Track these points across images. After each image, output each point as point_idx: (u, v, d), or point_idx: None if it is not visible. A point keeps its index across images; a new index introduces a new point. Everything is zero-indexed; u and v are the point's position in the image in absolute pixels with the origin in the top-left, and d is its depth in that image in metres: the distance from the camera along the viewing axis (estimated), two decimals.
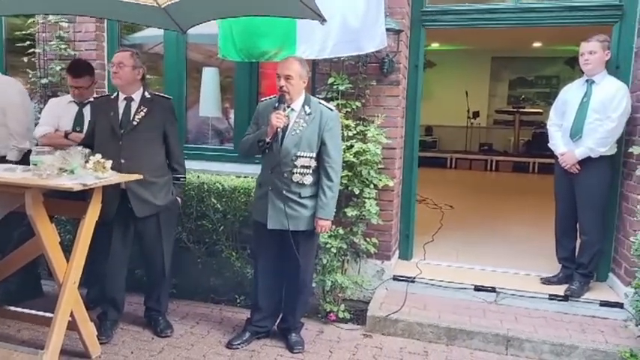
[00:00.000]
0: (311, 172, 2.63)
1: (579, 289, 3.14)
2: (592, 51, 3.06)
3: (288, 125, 2.59)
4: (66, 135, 3.07)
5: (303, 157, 2.60)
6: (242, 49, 3.17)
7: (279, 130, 2.54)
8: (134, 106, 2.79)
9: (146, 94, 2.84)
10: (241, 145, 2.77)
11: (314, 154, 2.62)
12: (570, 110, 3.15)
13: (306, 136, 2.61)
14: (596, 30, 3.17)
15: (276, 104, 2.58)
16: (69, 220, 3.34)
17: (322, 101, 2.72)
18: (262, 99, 2.83)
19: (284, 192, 2.60)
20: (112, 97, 2.84)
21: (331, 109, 2.68)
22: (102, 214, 2.60)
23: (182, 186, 3.04)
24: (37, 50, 3.81)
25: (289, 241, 2.63)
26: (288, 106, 2.61)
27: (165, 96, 2.99)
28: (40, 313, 2.76)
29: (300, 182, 2.62)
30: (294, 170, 2.60)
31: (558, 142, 3.22)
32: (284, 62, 2.63)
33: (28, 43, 3.83)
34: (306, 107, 2.64)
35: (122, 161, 2.68)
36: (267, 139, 2.55)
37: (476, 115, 10.27)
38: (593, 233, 3.14)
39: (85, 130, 3.05)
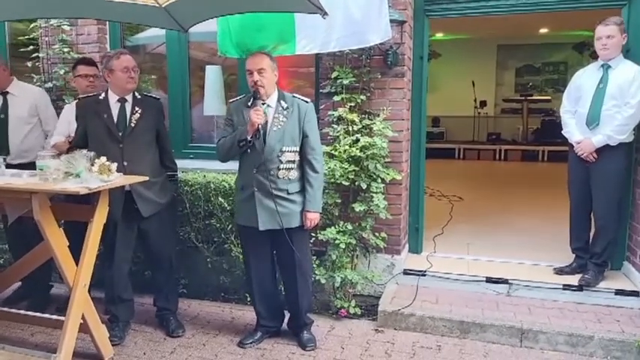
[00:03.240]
0: (296, 166, 2.63)
1: (594, 278, 3.08)
2: (610, 35, 2.93)
3: (267, 122, 2.57)
4: (70, 142, 3.07)
5: (288, 151, 2.59)
6: (239, 45, 3.13)
7: (259, 127, 2.50)
8: (128, 107, 2.78)
9: (136, 94, 2.83)
10: (220, 149, 2.66)
11: (297, 148, 2.62)
12: (585, 96, 3.04)
13: (288, 130, 2.59)
14: (604, 14, 3.09)
15: (251, 101, 2.57)
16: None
17: (296, 94, 2.71)
18: (232, 100, 2.77)
19: (272, 190, 2.57)
20: (101, 97, 2.80)
21: (307, 101, 2.68)
22: (108, 216, 2.61)
23: (176, 183, 3.12)
24: (40, 54, 3.82)
25: (282, 240, 2.61)
26: (264, 103, 2.58)
27: (154, 96, 3.02)
28: (53, 316, 2.77)
29: (286, 178, 2.60)
30: (280, 166, 2.59)
31: (573, 129, 3.12)
32: (254, 57, 2.60)
33: (31, 47, 3.84)
34: (282, 102, 2.63)
35: (125, 163, 2.69)
36: (249, 137, 2.51)
37: (483, 104, 10.18)
38: (609, 222, 3.06)
39: None
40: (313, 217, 2.64)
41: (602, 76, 3.01)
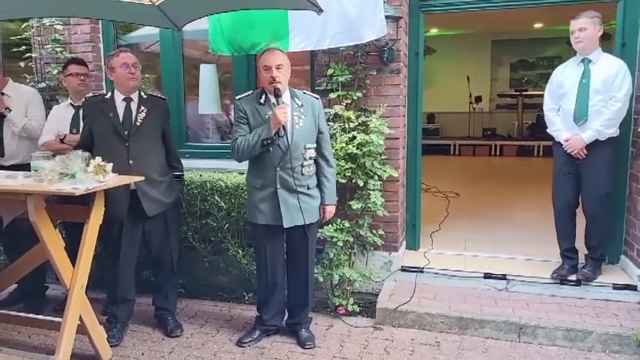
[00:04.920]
0: (313, 162, 2.68)
1: (592, 272, 3.08)
2: (582, 28, 2.94)
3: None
4: (61, 140, 3.07)
5: (309, 148, 2.63)
6: (231, 42, 3.11)
7: (285, 124, 2.50)
8: (134, 106, 2.78)
9: (142, 94, 2.83)
10: (239, 149, 2.54)
11: (315, 145, 2.66)
12: (569, 92, 3.02)
13: (307, 127, 2.62)
14: (599, 8, 3.09)
15: (264, 98, 2.57)
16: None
17: (305, 91, 2.75)
18: (239, 96, 2.68)
19: (295, 187, 2.58)
20: (107, 97, 2.79)
21: (317, 97, 2.73)
22: (113, 216, 2.64)
23: (182, 183, 3.10)
24: (33, 54, 3.79)
25: (297, 236, 2.64)
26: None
27: (161, 96, 3.01)
28: (50, 318, 2.75)
29: (307, 174, 2.64)
30: (304, 163, 2.61)
31: (561, 127, 3.07)
32: (272, 53, 2.57)
33: (24, 47, 3.80)
34: (296, 99, 2.64)
35: (131, 162, 2.69)
36: (275, 136, 2.49)
37: (478, 100, 10.18)
38: (601, 215, 3.05)
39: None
40: (332, 210, 2.73)
41: (583, 71, 2.99)
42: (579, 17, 2.97)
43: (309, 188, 2.64)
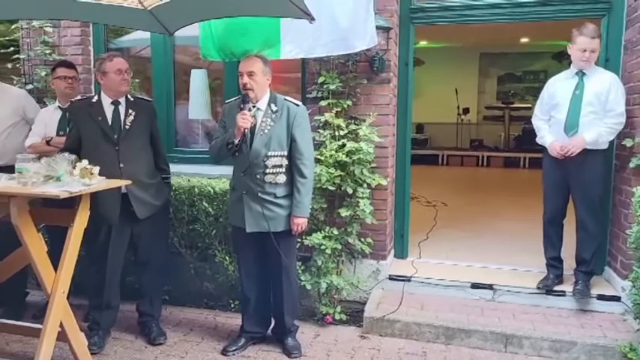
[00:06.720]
0: (284, 170, 2.61)
1: (585, 288, 3.04)
2: (594, 49, 2.95)
3: (255, 125, 2.55)
4: (47, 142, 3.03)
5: (274, 156, 2.57)
6: (222, 48, 3.12)
7: (246, 131, 2.50)
8: (122, 110, 2.76)
9: (129, 97, 2.82)
10: (211, 150, 2.74)
11: (285, 153, 2.60)
12: (562, 103, 3.05)
13: (276, 134, 2.57)
14: (584, 23, 3.15)
15: (241, 104, 2.54)
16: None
17: (288, 97, 2.69)
18: (227, 100, 2.79)
19: (259, 194, 2.56)
20: (94, 100, 2.77)
21: (297, 105, 2.65)
22: (105, 219, 2.63)
23: (170, 185, 3.09)
24: (21, 56, 3.75)
25: (269, 243, 2.60)
26: (254, 106, 2.56)
27: (147, 99, 3.01)
28: (30, 324, 2.68)
29: (274, 182, 2.59)
30: (267, 171, 2.57)
31: (546, 133, 3.10)
32: (246, 60, 2.60)
33: (12, 48, 3.77)
34: (272, 105, 2.61)
35: (121, 166, 2.67)
36: (235, 141, 2.51)
37: (466, 111, 10.32)
38: (594, 228, 3.07)
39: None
40: (300, 222, 2.63)
41: (577, 83, 3.03)
42: (594, 37, 2.94)
43: (276, 197, 2.59)
